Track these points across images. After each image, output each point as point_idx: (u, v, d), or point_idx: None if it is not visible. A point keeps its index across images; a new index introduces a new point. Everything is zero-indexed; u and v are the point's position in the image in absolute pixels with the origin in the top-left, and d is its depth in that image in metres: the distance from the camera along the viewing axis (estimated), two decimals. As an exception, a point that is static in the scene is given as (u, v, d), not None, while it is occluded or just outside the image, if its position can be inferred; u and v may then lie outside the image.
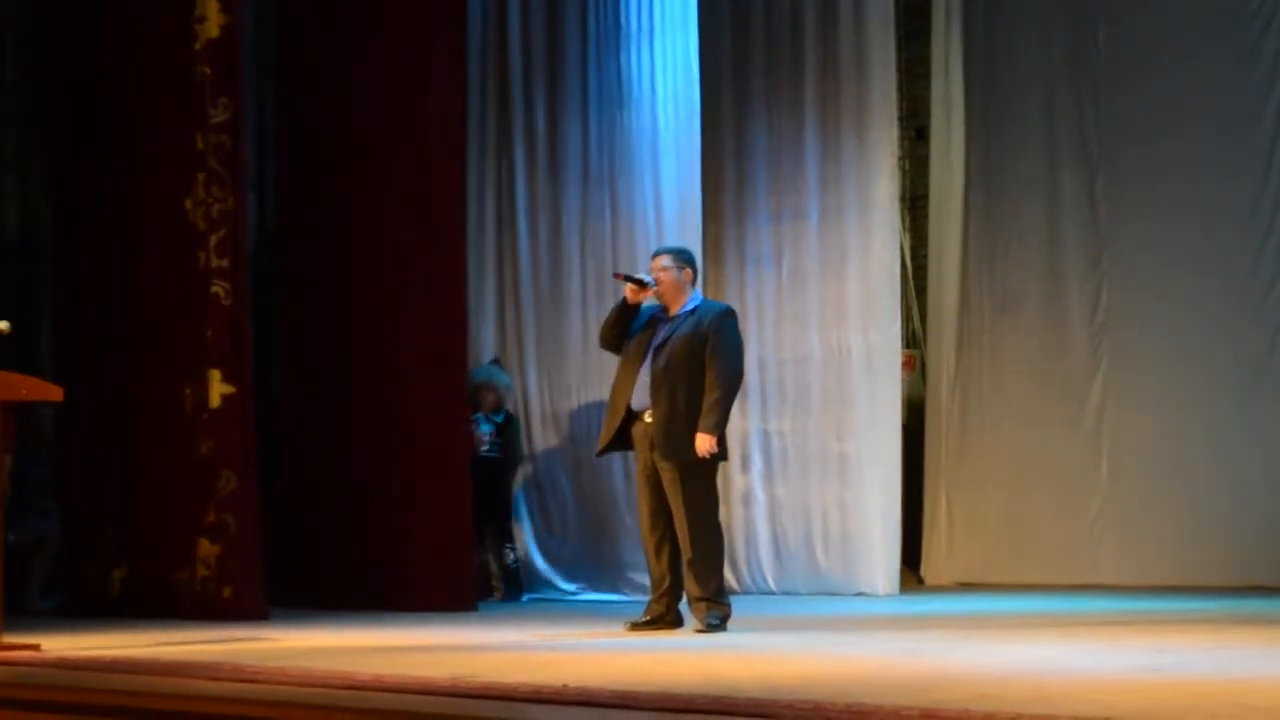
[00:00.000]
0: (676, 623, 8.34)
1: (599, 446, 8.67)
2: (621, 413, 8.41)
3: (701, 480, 8.29)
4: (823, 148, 11.48)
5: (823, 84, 11.47)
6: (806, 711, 4.91)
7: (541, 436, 11.47)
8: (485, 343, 11.65)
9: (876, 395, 11.24)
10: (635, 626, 8.31)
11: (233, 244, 9.72)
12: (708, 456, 8.19)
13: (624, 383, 8.43)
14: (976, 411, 12.19)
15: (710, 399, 8.22)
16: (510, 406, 11.39)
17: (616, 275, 8.92)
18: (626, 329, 8.48)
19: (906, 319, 12.40)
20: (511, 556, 11.30)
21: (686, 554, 8.26)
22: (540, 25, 11.61)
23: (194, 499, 9.65)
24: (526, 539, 11.47)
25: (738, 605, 8.50)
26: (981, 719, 4.66)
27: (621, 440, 8.47)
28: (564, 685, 5.67)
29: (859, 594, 11.03)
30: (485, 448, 11.19)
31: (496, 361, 11.52)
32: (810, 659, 6.87)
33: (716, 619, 8.18)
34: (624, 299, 8.48)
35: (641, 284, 8.45)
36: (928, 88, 12.60)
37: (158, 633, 8.48)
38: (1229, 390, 11.18)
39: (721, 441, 8.26)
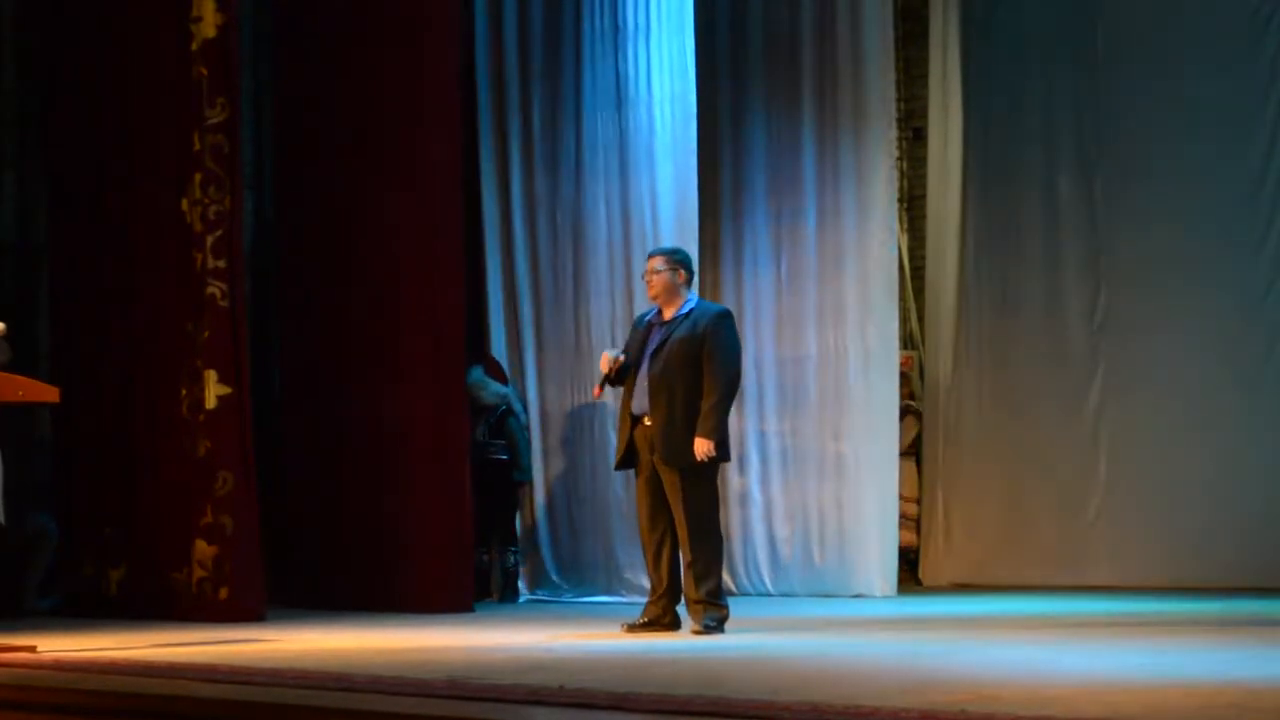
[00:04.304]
0: (674, 624, 8.33)
1: (615, 460, 8.62)
2: (629, 421, 8.39)
3: (702, 483, 8.27)
4: (820, 148, 11.47)
5: (820, 85, 11.47)
6: (805, 713, 4.90)
7: (538, 436, 11.44)
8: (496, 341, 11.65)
9: (874, 396, 11.23)
10: (632, 628, 8.30)
11: (229, 245, 9.70)
12: (706, 460, 8.19)
13: (628, 389, 8.42)
14: (974, 412, 12.18)
15: (708, 403, 8.20)
16: (502, 404, 11.33)
17: (597, 394, 8.80)
18: (625, 373, 8.41)
19: (904, 320, 12.40)
20: (512, 559, 11.28)
21: (686, 556, 8.25)
22: (537, 24, 11.59)
23: (191, 500, 9.63)
24: (525, 540, 11.45)
25: (735, 607, 8.49)
26: (980, 719, 4.66)
27: (635, 452, 8.42)
28: (561, 687, 5.67)
29: (857, 595, 11.02)
30: (492, 450, 11.16)
31: (489, 362, 11.48)
32: (808, 660, 6.86)
33: (714, 621, 8.18)
34: (605, 377, 8.43)
35: (612, 369, 8.37)
36: (925, 89, 12.61)
37: (154, 634, 8.47)
38: (1228, 390, 11.17)
39: (723, 443, 8.25)
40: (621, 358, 8.42)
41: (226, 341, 9.65)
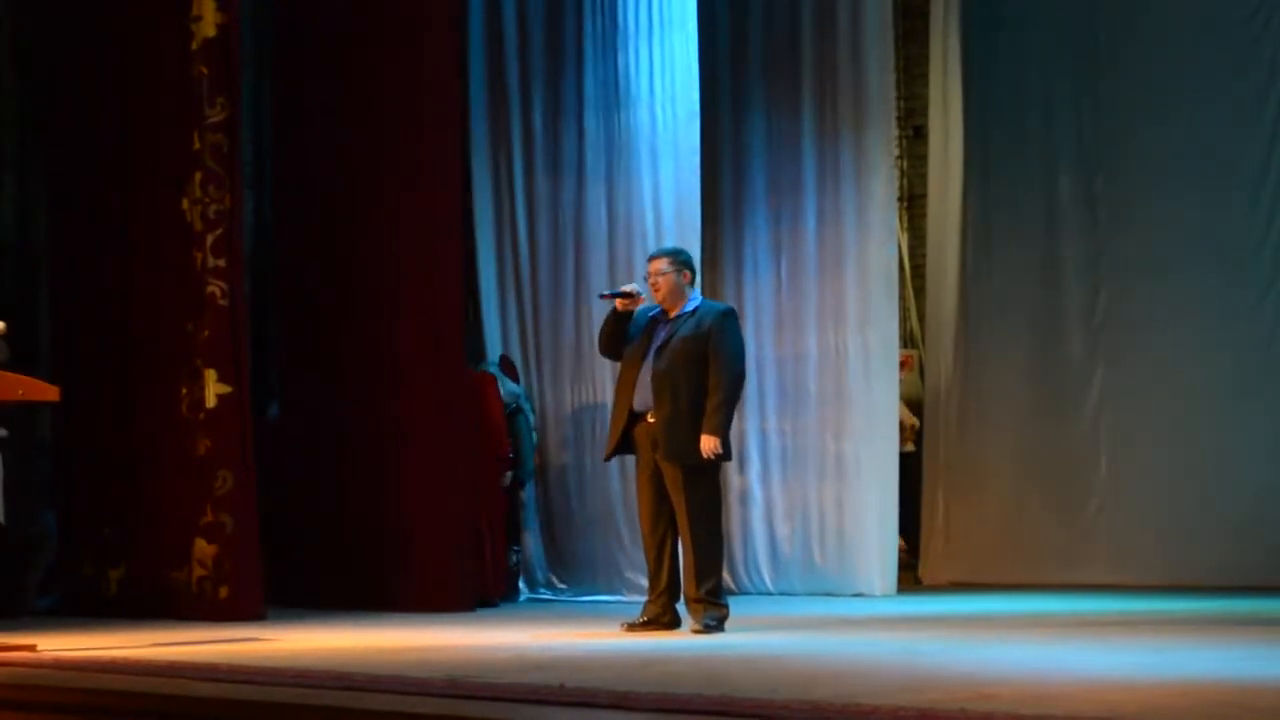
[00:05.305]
0: (674, 623, 8.33)
1: (606, 451, 8.66)
2: (625, 415, 8.41)
3: (704, 481, 8.29)
4: (820, 148, 11.46)
5: (821, 84, 11.46)
6: (804, 711, 4.91)
7: (538, 436, 11.44)
8: (491, 342, 11.65)
9: (874, 395, 11.22)
10: (632, 627, 8.31)
11: (229, 244, 9.70)
12: (712, 458, 8.19)
13: (626, 384, 8.44)
14: (975, 411, 12.18)
15: (714, 401, 8.22)
16: (513, 403, 11.31)
17: (603, 296, 8.88)
18: (624, 337, 8.47)
19: (905, 319, 12.40)
20: (513, 558, 11.26)
21: (687, 554, 8.25)
22: (538, 24, 11.59)
23: (191, 499, 9.63)
24: (525, 539, 11.45)
25: (735, 606, 8.49)
26: (979, 719, 4.66)
27: (628, 443, 8.46)
28: (561, 686, 5.67)
29: (856, 594, 11.01)
30: None
31: (503, 361, 11.47)
32: (808, 659, 6.86)
33: (714, 620, 8.18)
34: (614, 310, 8.48)
35: (629, 296, 8.45)
36: (926, 88, 12.61)
37: (154, 633, 8.47)
38: (1227, 390, 11.17)
39: (725, 442, 8.26)
40: (642, 298, 8.43)
41: (226, 340, 9.66)
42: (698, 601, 8.22)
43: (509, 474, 10.88)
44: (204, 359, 9.65)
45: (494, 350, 11.57)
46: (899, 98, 12.35)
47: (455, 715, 5.26)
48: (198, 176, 9.72)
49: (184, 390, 9.71)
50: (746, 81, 11.77)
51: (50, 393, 7.68)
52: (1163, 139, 11.51)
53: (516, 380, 11.37)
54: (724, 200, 11.72)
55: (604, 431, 10.77)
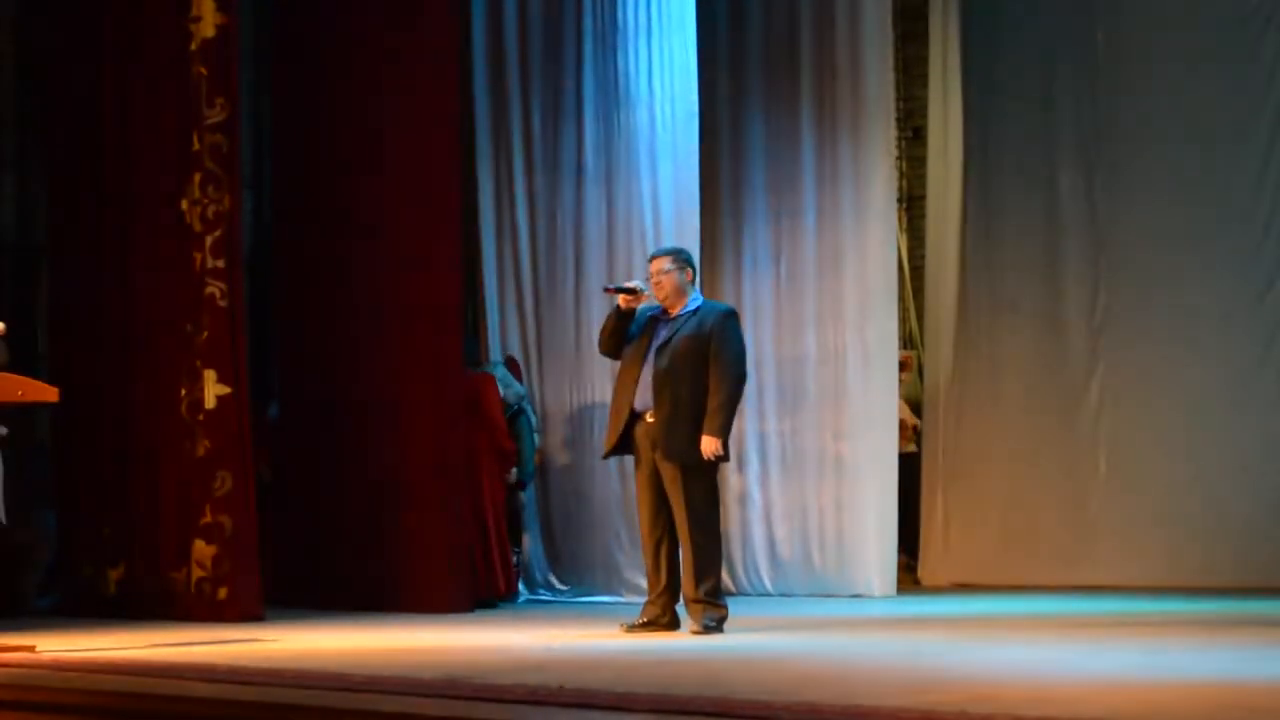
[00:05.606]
0: (673, 624, 8.33)
1: (605, 449, 8.66)
2: (625, 414, 8.40)
3: (703, 481, 8.28)
4: (820, 148, 11.46)
5: (820, 84, 11.46)
6: (803, 713, 4.90)
7: (539, 436, 11.43)
8: (491, 342, 11.65)
9: (873, 395, 11.22)
10: (632, 628, 8.30)
11: (228, 244, 9.70)
12: (713, 458, 8.19)
13: (626, 383, 8.43)
14: (974, 412, 12.17)
15: (715, 401, 8.22)
16: (516, 405, 11.31)
17: (606, 290, 8.90)
18: (625, 336, 8.47)
19: (904, 319, 12.39)
20: (514, 559, 11.25)
21: (686, 555, 8.25)
22: (537, 24, 11.59)
23: (190, 499, 9.64)
24: (525, 539, 11.45)
25: (734, 607, 8.48)
26: (980, 719, 4.66)
27: (626, 442, 8.45)
28: (561, 687, 5.66)
29: (855, 595, 11.01)
30: None
31: (509, 361, 11.46)
32: (807, 660, 6.86)
33: (713, 620, 8.17)
34: (618, 308, 8.48)
35: (632, 293, 8.44)
36: (925, 88, 12.60)
37: (153, 633, 8.48)
38: (1228, 389, 11.16)
39: (725, 443, 8.26)
40: (645, 296, 8.43)
41: (225, 341, 9.66)
42: (697, 602, 8.22)
43: (514, 470, 10.87)
44: (203, 360, 9.66)
45: (495, 350, 11.57)
46: (898, 98, 12.34)
47: (455, 716, 5.26)
48: (197, 177, 9.72)
49: (183, 391, 9.71)
50: (745, 82, 11.76)
51: (49, 393, 7.67)
52: (1162, 139, 11.50)
53: (522, 381, 11.36)
54: (723, 200, 11.71)
55: (603, 432, 10.81)
